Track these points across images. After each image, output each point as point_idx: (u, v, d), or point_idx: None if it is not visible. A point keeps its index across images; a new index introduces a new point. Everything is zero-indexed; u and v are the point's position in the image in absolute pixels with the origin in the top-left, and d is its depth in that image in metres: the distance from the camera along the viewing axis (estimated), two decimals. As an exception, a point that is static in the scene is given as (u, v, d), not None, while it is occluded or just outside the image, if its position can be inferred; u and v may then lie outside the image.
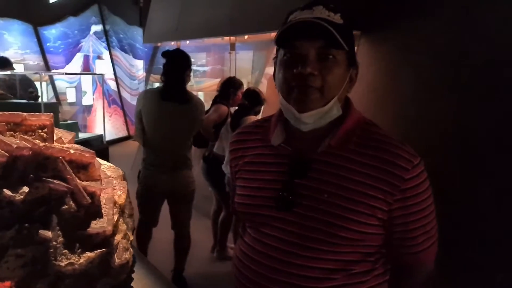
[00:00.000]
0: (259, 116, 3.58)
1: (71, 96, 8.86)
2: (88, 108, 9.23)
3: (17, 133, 0.62)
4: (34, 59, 8.13)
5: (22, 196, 0.56)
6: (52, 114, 0.62)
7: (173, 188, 2.99)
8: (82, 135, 5.31)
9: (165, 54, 2.93)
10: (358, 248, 1.00)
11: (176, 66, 2.89)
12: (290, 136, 1.07)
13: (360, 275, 1.02)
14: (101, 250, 0.62)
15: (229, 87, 3.71)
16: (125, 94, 10.61)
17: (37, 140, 0.60)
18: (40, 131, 0.63)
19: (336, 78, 0.99)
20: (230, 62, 5.31)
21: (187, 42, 6.06)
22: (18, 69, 7.69)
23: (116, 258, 0.64)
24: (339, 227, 0.97)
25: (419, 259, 1.07)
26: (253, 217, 1.09)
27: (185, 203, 3.10)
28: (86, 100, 9.21)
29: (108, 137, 8.90)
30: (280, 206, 1.02)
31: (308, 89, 0.97)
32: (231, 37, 5.10)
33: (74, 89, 8.92)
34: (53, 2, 8.47)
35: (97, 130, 8.74)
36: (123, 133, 10.44)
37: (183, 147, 3.00)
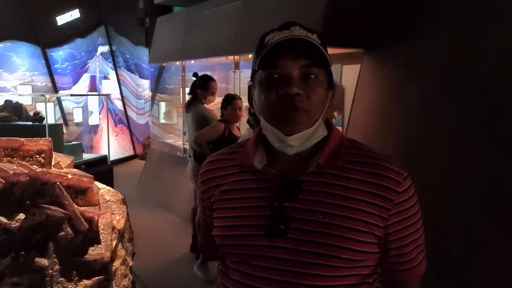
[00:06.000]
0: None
1: (78, 116, 8.95)
2: (95, 128, 9.30)
3: (15, 158, 0.61)
4: (42, 81, 8.25)
5: (18, 223, 0.54)
6: (50, 139, 0.61)
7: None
8: (86, 156, 5.22)
9: (194, 75, 4.35)
10: (358, 270, 0.96)
11: (192, 86, 4.25)
12: (272, 160, 1.02)
13: None
14: (99, 277, 0.60)
15: (224, 106, 3.84)
16: (131, 114, 10.71)
17: (34, 166, 0.60)
18: (37, 156, 0.62)
19: (320, 98, 0.96)
20: (234, 80, 5.35)
21: (192, 61, 6.12)
22: (27, 90, 7.81)
23: (114, 286, 0.62)
24: (340, 249, 0.92)
25: (413, 274, 1.05)
26: (238, 249, 1.00)
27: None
28: (93, 120, 9.29)
29: (114, 157, 8.94)
30: (272, 233, 0.95)
31: (296, 110, 0.94)
32: (235, 56, 5.15)
33: (81, 109, 9.02)
34: (60, 25, 8.64)
35: (103, 150, 8.79)
36: (129, 152, 10.49)
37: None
